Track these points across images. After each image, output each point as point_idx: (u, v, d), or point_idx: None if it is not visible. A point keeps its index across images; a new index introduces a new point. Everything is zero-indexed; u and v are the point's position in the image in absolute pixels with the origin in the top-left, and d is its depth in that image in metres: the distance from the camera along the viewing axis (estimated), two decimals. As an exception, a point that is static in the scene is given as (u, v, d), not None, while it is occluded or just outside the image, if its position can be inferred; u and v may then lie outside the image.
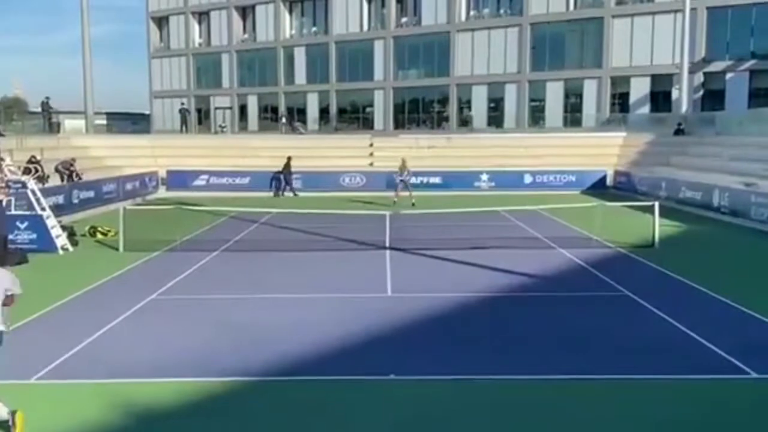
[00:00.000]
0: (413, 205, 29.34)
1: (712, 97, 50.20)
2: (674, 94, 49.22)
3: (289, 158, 37.23)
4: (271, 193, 37.14)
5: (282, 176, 37.32)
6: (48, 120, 43.97)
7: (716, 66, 49.66)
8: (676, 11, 47.55)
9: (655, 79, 52.38)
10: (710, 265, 17.24)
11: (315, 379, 9.45)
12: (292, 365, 9.95)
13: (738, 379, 9.39)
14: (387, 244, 19.43)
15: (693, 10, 45.99)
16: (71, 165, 30.09)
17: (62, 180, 29.24)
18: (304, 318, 12.53)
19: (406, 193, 31.18)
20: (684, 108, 45.29)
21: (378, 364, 10.00)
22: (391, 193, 32.73)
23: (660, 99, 52.53)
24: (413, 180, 33.34)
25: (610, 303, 13.59)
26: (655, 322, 12.14)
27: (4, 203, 16.81)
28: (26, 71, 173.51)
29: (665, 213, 22.59)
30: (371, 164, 40.51)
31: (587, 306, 13.42)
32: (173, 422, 8.25)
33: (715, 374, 9.55)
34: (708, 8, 49.38)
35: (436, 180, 38.41)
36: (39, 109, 45.98)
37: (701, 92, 50.75)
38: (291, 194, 36.80)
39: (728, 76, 49.74)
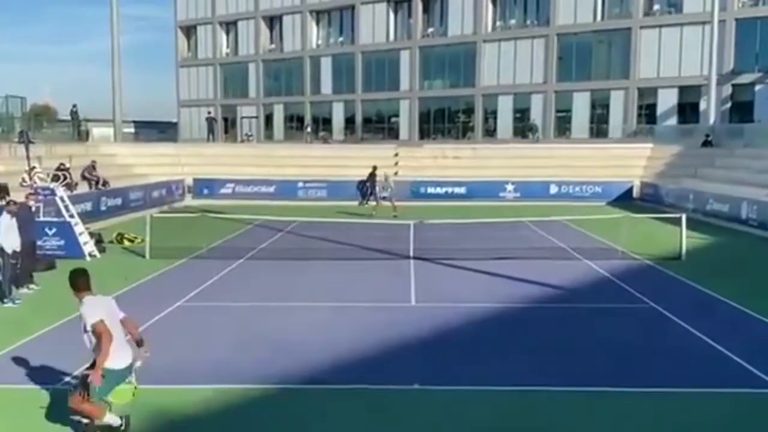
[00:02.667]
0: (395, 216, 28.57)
1: (741, 109, 49.63)
2: (702, 105, 48.79)
3: (374, 167, 37.11)
4: (357, 202, 37.15)
5: (367, 185, 37.25)
6: (77, 128, 44.42)
7: (745, 78, 49.13)
8: (704, 23, 47.14)
9: (683, 90, 51.92)
10: (738, 278, 17.01)
11: (338, 387, 9.45)
12: (314, 374, 9.97)
13: (762, 394, 9.30)
14: (411, 254, 19.43)
15: (722, 21, 45.54)
16: (93, 169, 30.45)
17: (90, 187, 29.54)
18: (328, 327, 12.55)
19: (389, 204, 31.00)
20: (712, 120, 44.85)
21: (402, 373, 9.99)
22: (414, 203, 32.78)
23: (687, 110, 52.03)
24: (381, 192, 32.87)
25: (636, 315, 13.48)
26: (681, 335, 12.03)
27: (33, 209, 17.00)
28: (55, 79, 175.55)
29: (692, 225, 22.38)
30: (396, 174, 40.47)
31: (613, 318, 13.32)
32: (196, 429, 8.29)
33: (739, 387, 9.45)
34: (737, 20, 48.91)
35: (461, 190, 38.38)
36: (68, 117, 46.43)
37: (729, 104, 50.20)
38: (373, 203, 36.62)
39: (757, 87, 49.17)
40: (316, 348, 11.09)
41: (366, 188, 36.93)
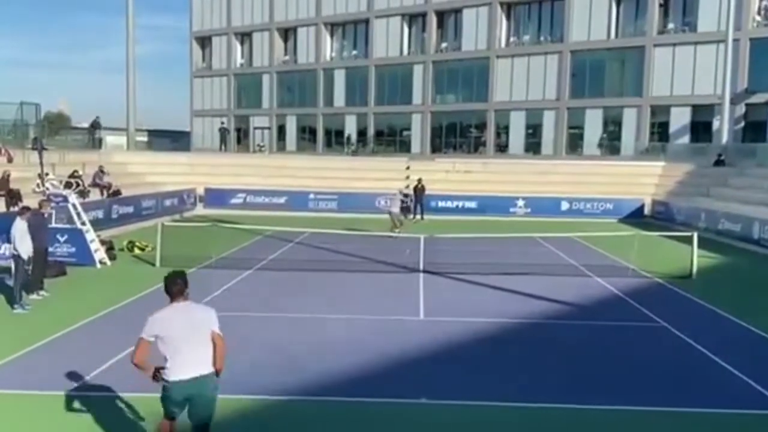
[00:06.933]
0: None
1: (754, 129, 49.45)
2: (715, 124, 48.68)
3: (420, 180, 36.87)
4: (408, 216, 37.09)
5: (415, 198, 37.02)
6: (92, 136, 45.10)
7: (759, 97, 48.94)
8: (718, 42, 47.10)
9: (696, 109, 51.81)
10: (749, 298, 16.94)
11: (345, 400, 9.43)
12: (322, 385, 9.95)
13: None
14: (421, 267, 19.40)
15: (736, 41, 45.51)
16: (102, 174, 30.68)
17: (101, 193, 29.69)
18: (337, 339, 12.53)
19: (402, 217, 30.42)
20: (725, 139, 44.72)
21: (410, 386, 9.96)
22: (424, 216, 32.79)
23: (700, 129, 51.89)
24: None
25: (647, 333, 13.41)
26: (692, 354, 11.95)
27: (45, 216, 17.08)
28: (70, 87, 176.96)
29: (704, 244, 22.27)
30: (407, 187, 40.49)
31: (623, 336, 13.25)
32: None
33: (750, 409, 9.39)
34: (751, 39, 48.80)
35: (472, 205, 38.32)
36: (81, 125, 47.15)
37: (743, 123, 50.05)
38: (419, 217, 36.29)
39: (770, 108, 49.10)
40: (322, 360, 11.08)
41: (410, 203, 36.70)
